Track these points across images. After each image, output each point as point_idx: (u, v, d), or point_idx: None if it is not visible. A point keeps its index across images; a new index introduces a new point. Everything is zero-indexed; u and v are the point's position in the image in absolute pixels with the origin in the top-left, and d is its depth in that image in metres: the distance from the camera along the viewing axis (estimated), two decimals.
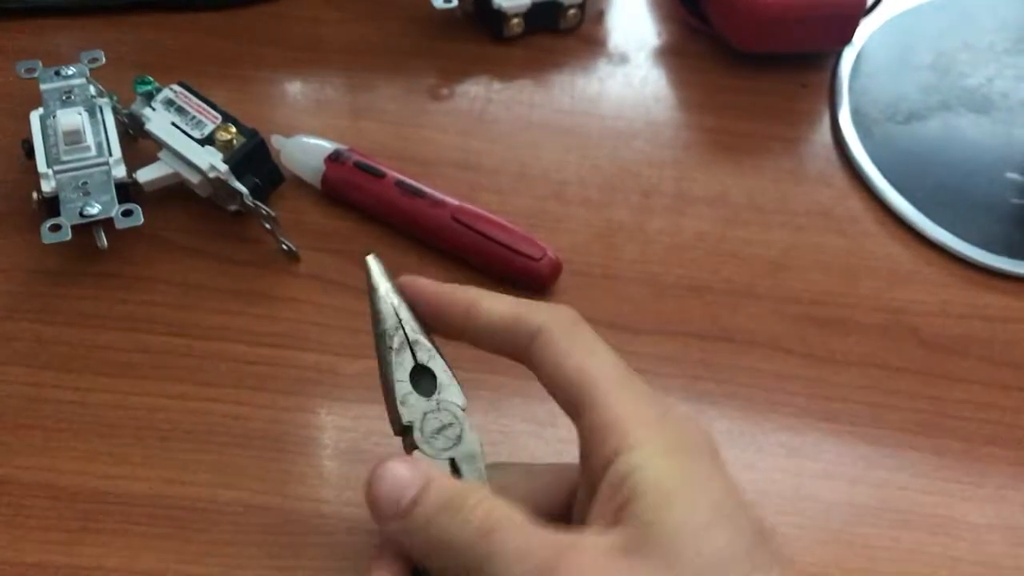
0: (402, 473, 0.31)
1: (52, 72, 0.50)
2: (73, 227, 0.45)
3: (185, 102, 0.49)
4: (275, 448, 0.42)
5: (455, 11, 0.58)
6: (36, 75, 0.50)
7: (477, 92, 0.57)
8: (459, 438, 0.34)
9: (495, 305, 0.35)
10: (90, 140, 0.47)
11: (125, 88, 0.50)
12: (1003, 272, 0.51)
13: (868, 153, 0.56)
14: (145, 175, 0.48)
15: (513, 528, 0.30)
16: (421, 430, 0.34)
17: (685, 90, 0.59)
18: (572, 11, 0.59)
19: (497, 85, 0.58)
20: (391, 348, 0.35)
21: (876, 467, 0.45)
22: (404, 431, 0.34)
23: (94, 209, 0.45)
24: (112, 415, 0.43)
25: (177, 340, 0.45)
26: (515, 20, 0.58)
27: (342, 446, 0.43)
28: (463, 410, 0.35)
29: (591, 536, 0.30)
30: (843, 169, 0.56)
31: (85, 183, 0.46)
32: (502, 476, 0.35)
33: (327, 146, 0.51)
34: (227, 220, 0.49)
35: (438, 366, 0.35)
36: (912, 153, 0.56)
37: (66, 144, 0.47)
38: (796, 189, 0.55)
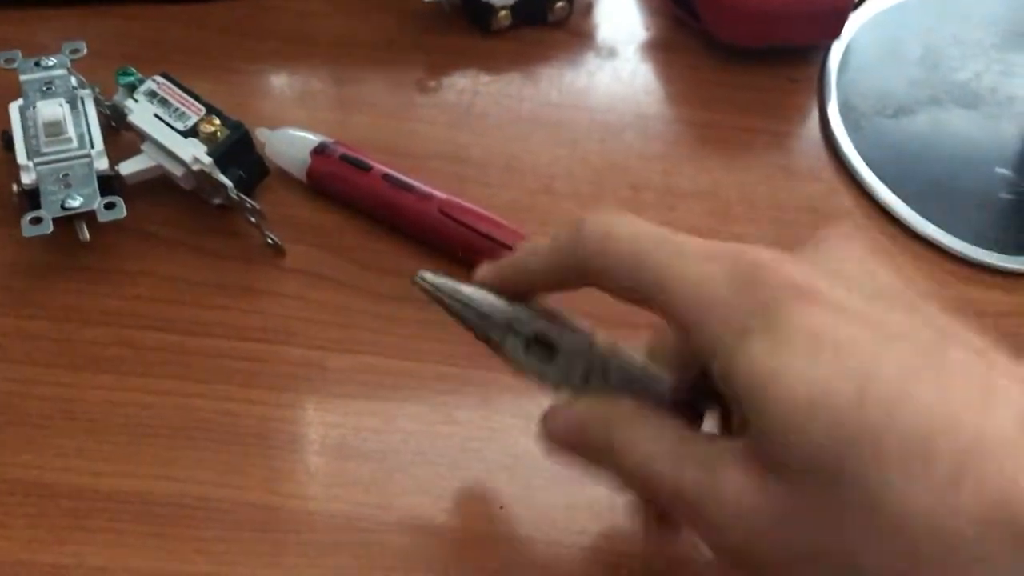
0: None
1: (32, 63, 0.49)
2: (54, 220, 0.44)
3: (168, 94, 0.48)
4: (263, 444, 0.42)
5: (442, 4, 0.57)
6: (15, 65, 0.49)
7: (465, 85, 0.57)
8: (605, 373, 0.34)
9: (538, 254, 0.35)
10: (71, 132, 0.46)
11: (107, 80, 0.49)
12: (992, 267, 0.51)
13: (857, 148, 0.55)
14: (128, 167, 0.47)
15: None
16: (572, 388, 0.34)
17: (674, 84, 0.59)
18: (560, 4, 0.59)
19: (485, 78, 0.57)
20: (500, 344, 0.35)
21: None
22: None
23: (76, 202, 0.44)
24: (97, 411, 0.42)
25: (161, 335, 0.45)
26: (503, 13, 0.58)
27: (329, 442, 0.42)
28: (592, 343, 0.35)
29: (729, 451, 0.28)
30: (832, 164, 0.56)
31: (66, 175, 0.45)
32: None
33: (313, 139, 0.50)
34: (211, 213, 0.49)
35: (551, 331, 0.35)
36: (901, 148, 0.56)
37: (47, 136, 0.46)
38: (785, 184, 0.54)
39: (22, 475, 0.40)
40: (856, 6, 0.60)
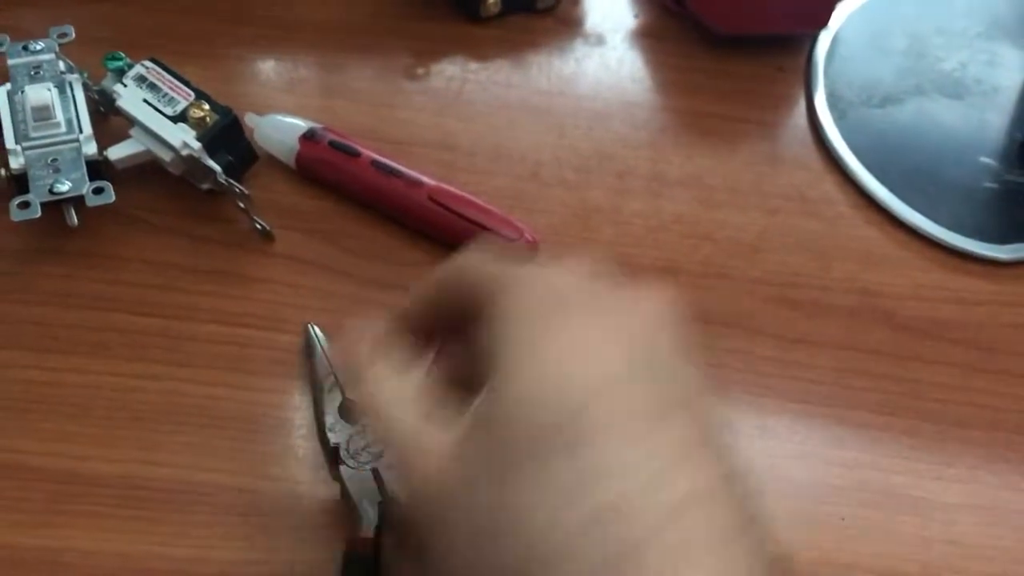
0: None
1: (20, 47, 0.49)
2: (43, 204, 0.44)
3: (157, 79, 0.48)
4: (249, 429, 0.42)
5: None
6: (3, 49, 0.49)
7: (453, 72, 0.57)
8: (379, 455, 0.39)
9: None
10: (60, 116, 0.46)
11: (95, 65, 0.49)
12: (976, 255, 0.52)
13: (843, 136, 0.56)
14: (116, 152, 0.47)
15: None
16: (347, 449, 0.39)
17: (661, 72, 0.59)
18: None
19: (473, 65, 0.57)
20: (323, 388, 0.42)
21: (849, 448, 0.45)
22: (332, 453, 0.39)
23: (64, 186, 0.44)
24: (83, 395, 0.42)
25: (149, 320, 0.45)
26: (492, 1, 0.58)
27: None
28: None
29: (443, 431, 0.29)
30: (818, 152, 0.56)
31: (55, 160, 0.45)
32: None
33: (301, 125, 0.50)
34: (200, 199, 0.49)
35: None
36: (887, 137, 0.56)
37: (35, 120, 0.46)
38: (771, 172, 0.55)
39: (5, 459, 0.40)
40: None
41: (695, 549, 0.26)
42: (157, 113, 0.47)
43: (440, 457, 0.29)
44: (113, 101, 0.48)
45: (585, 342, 0.29)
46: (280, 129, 0.50)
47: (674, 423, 0.28)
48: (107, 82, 0.48)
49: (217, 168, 0.46)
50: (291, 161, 0.50)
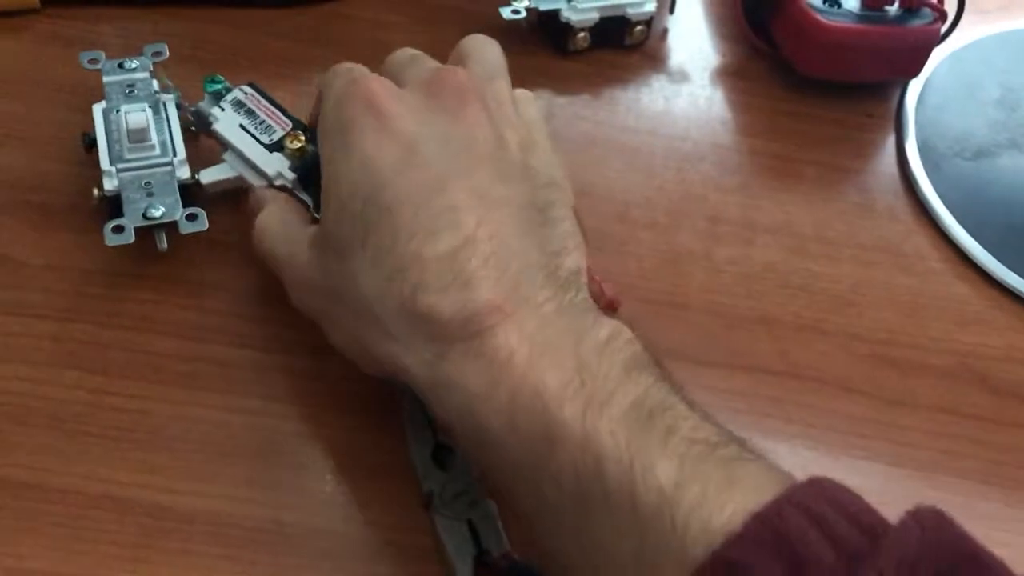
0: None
1: (115, 64, 0.48)
2: (135, 229, 0.43)
3: (255, 105, 0.47)
4: (342, 469, 0.41)
5: (521, 22, 0.56)
6: (99, 67, 0.48)
7: (540, 105, 0.56)
8: (474, 503, 0.39)
9: None
10: (155, 139, 0.46)
11: (183, 82, 0.49)
12: None
13: (936, 189, 0.55)
14: (209, 176, 0.46)
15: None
16: (440, 496, 0.39)
17: (749, 113, 0.58)
18: (639, 28, 0.58)
19: (560, 100, 0.57)
20: (416, 431, 0.41)
21: None
22: (427, 498, 0.39)
23: (158, 211, 0.44)
24: (173, 427, 0.41)
25: (240, 351, 0.44)
26: (581, 35, 0.57)
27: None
28: (477, 480, 0.40)
29: (308, 234, 0.41)
30: (910, 204, 0.55)
31: (148, 183, 0.45)
32: None
33: None
34: None
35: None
36: (981, 191, 0.55)
37: (130, 142, 0.45)
38: (862, 222, 0.54)
39: (98, 488, 0.39)
40: (938, 43, 0.59)
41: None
42: (253, 140, 0.46)
43: (304, 263, 0.40)
44: (209, 124, 0.47)
45: (378, 144, 0.38)
46: None
47: (460, 181, 0.37)
48: (204, 104, 0.48)
49: (309, 201, 0.45)
50: None
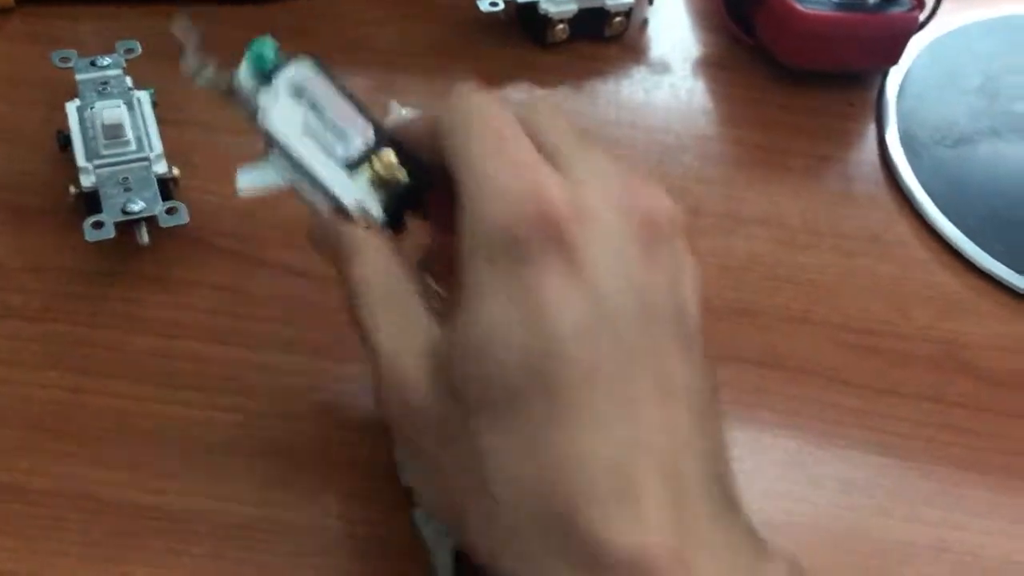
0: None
1: (88, 62, 0.48)
2: (115, 224, 0.43)
3: (322, 94, 0.35)
4: (324, 465, 0.41)
5: (499, 15, 0.56)
6: (71, 65, 0.48)
7: (519, 98, 0.56)
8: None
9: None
10: (130, 134, 0.45)
11: (160, 79, 0.48)
12: None
13: (917, 177, 0.55)
14: (248, 181, 0.35)
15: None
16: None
17: (730, 104, 0.58)
18: (618, 19, 0.58)
19: (539, 92, 0.56)
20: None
21: (932, 505, 0.44)
22: (409, 492, 0.37)
23: (137, 205, 0.43)
24: (152, 425, 0.41)
25: (219, 348, 0.43)
26: (560, 26, 0.57)
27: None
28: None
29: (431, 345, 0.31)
30: (891, 192, 0.55)
31: (126, 178, 0.44)
32: None
33: None
34: None
35: None
36: (962, 179, 0.55)
37: (106, 138, 0.45)
38: (844, 212, 0.53)
39: (76, 488, 0.39)
40: (917, 30, 0.59)
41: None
42: (321, 151, 0.35)
43: (416, 392, 0.31)
44: (255, 114, 0.34)
45: (563, 295, 0.29)
46: None
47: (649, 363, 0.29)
48: (244, 81, 0.35)
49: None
50: None
